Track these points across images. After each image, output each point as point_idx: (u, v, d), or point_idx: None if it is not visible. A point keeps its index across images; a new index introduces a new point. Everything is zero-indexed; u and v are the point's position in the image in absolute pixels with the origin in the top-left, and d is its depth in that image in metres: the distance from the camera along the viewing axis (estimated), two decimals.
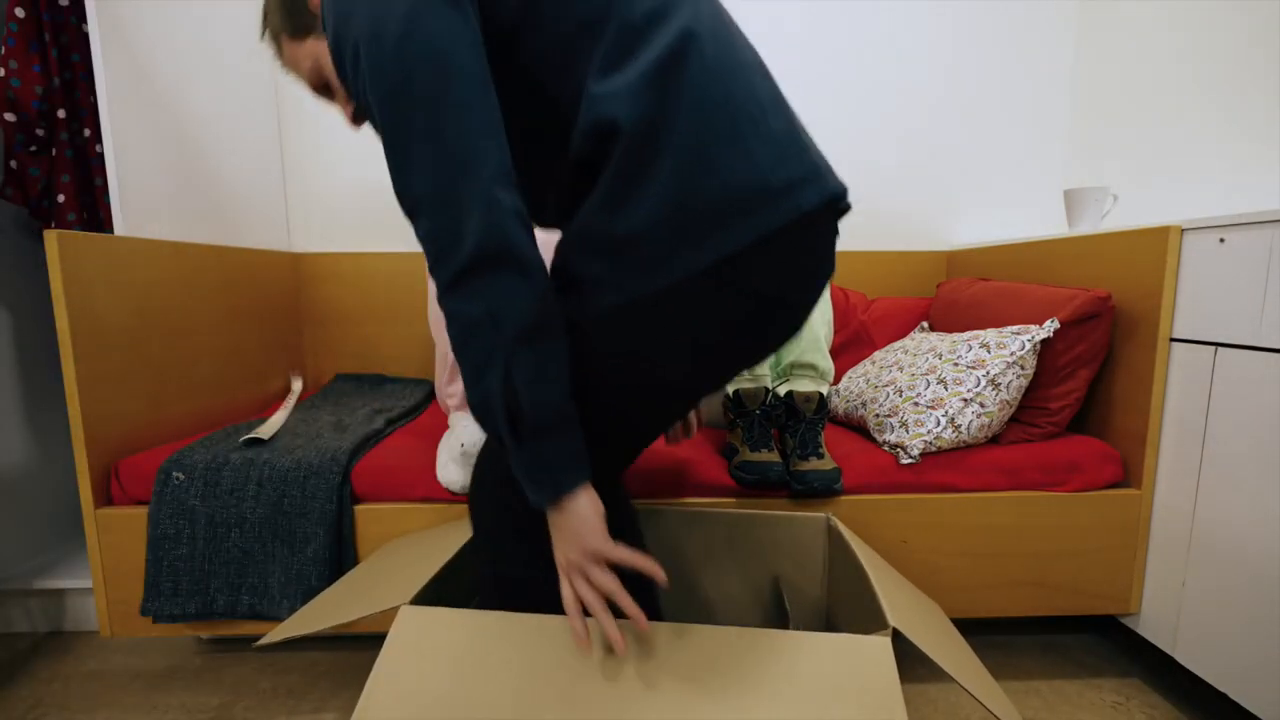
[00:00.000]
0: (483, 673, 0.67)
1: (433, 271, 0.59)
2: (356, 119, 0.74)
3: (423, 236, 0.58)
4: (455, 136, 0.56)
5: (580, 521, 0.61)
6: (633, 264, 0.59)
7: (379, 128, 0.58)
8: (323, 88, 0.75)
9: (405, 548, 1.00)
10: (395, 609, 0.73)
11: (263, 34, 0.77)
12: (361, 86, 0.58)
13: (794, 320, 0.66)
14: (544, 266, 0.59)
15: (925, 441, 1.12)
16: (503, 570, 0.75)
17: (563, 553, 0.63)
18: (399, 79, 0.55)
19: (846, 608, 0.96)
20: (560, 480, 0.61)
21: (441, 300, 0.59)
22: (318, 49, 0.72)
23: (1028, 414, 1.22)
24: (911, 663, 1.24)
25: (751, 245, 0.58)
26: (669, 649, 0.68)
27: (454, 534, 0.95)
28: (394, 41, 0.55)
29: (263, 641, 0.80)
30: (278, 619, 1.06)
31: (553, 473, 0.60)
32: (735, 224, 0.57)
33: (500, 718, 0.64)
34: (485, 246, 0.56)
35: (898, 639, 0.72)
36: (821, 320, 1.22)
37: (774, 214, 0.58)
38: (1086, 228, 1.45)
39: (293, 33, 0.72)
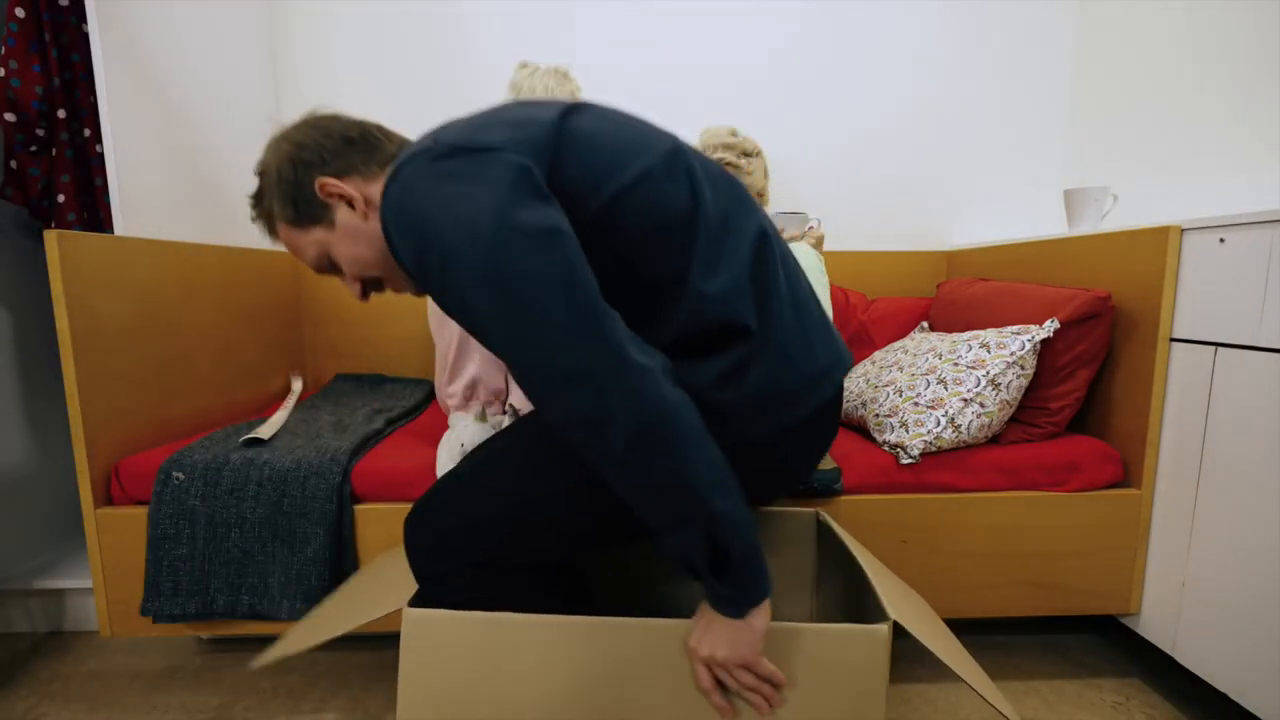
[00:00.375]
0: (503, 676, 0.68)
1: (587, 451, 0.58)
2: (365, 295, 0.78)
3: (562, 418, 0.58)
4: (579, 315, 0.56)
5: (750, 632, 0.64)
6: (719, 425, 0.64)
7: (480, 322, 0.58)
8: (328, 267, 0.76)
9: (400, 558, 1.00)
10: (395, 613, 0.74)
11: (254, 216, 0.76)
12: (455, 283, 0.57)
13: (822, 447, 0.80)
14: (694, 407, 0.61)
15: (925, 441, 1.12)
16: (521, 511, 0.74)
17: (709, 646, 0.65)
18: (507, 270, 0.55)
19: (838, 602, 0.96)
20: (753, 598, 0.63)
21: (614, 475, 0.59)
22: (327, 237, 0.72)
23: (1028, 414, 1.22)
24: (911, 663, 1.24)
25: (811, 414, 0.73)
26: (673, 645, 0.69)
27: None
28: (492, 235, 0.55)
29: (260, 662, 0.80)
30: (277, 619, 1.06)
31: (748, 592, 0.63)
32: (804, 401, 0.72)
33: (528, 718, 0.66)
34: (645, 417, 0.56)
35: (896, 635, 0.73)
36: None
37: (825, 390, 0.73)
38: (1086, 228, 1.45)
39: (298, 223, 0.72)
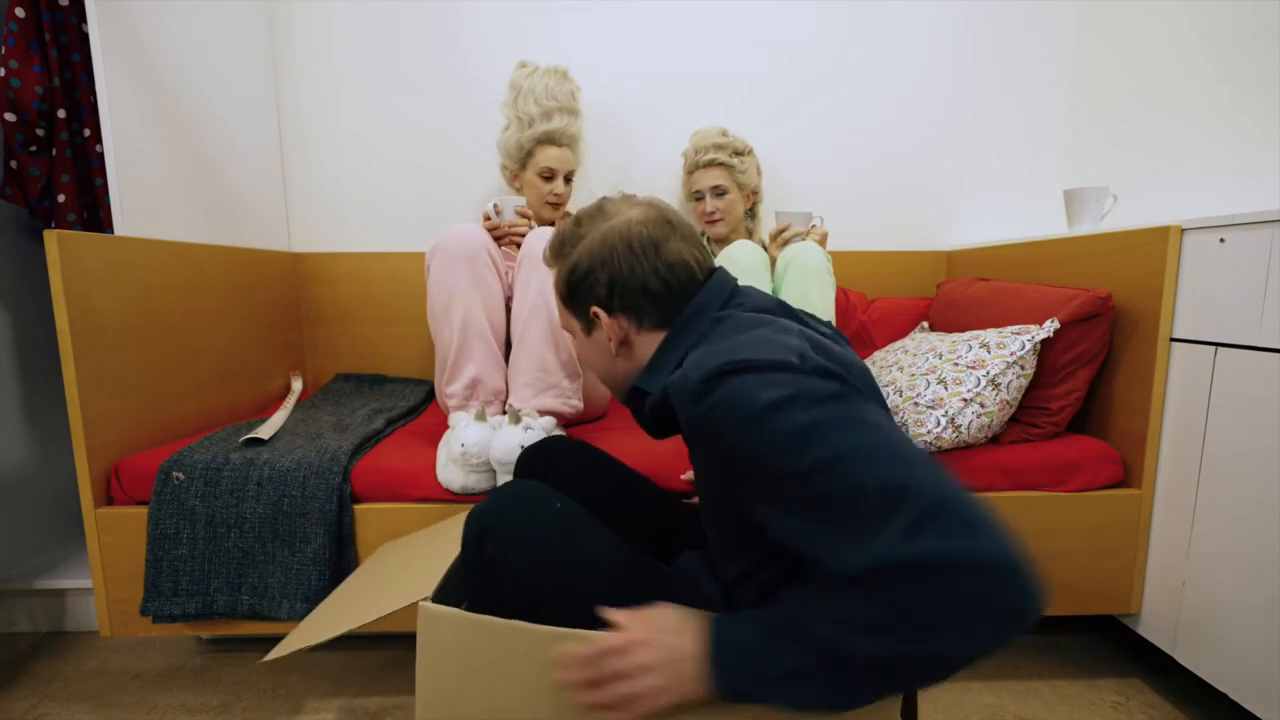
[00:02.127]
0: (516, 683, 0.68)
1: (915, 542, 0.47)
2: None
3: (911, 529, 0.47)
4: (885, 437, 0.53)
5: (681, 696, 0.57)
6: None
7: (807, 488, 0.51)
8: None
9: (402, 549, 1.00)
10: (401, 610, 0.73)
11: (551, 252, 0.78)
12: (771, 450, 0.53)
13: None
14: None
15: (925, 442, 1.12)
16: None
17: (644, 654, 0.58)
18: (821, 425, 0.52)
19: None
20: (745, 698, 0.55)
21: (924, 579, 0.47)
22: (578, 331, 0.78)
23: (1028, 414, 1.22)
24: None
25: None
26: None
27: (450, 530, 0.95)
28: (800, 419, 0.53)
29: (269, 658, 0.80)
30: (277, 619, 1.06)
31: (754, 697, 0.55)
32: None
33: None
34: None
35: None
36: (823, 314, 1.22)
37: None
38: (1087, 228, 1.45)
39: (565, 304, 0.78)
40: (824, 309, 1.25)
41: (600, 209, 0.75)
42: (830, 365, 0.57)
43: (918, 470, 0.49)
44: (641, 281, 0.70)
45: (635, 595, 0.68)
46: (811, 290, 1.25)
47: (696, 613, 0.61)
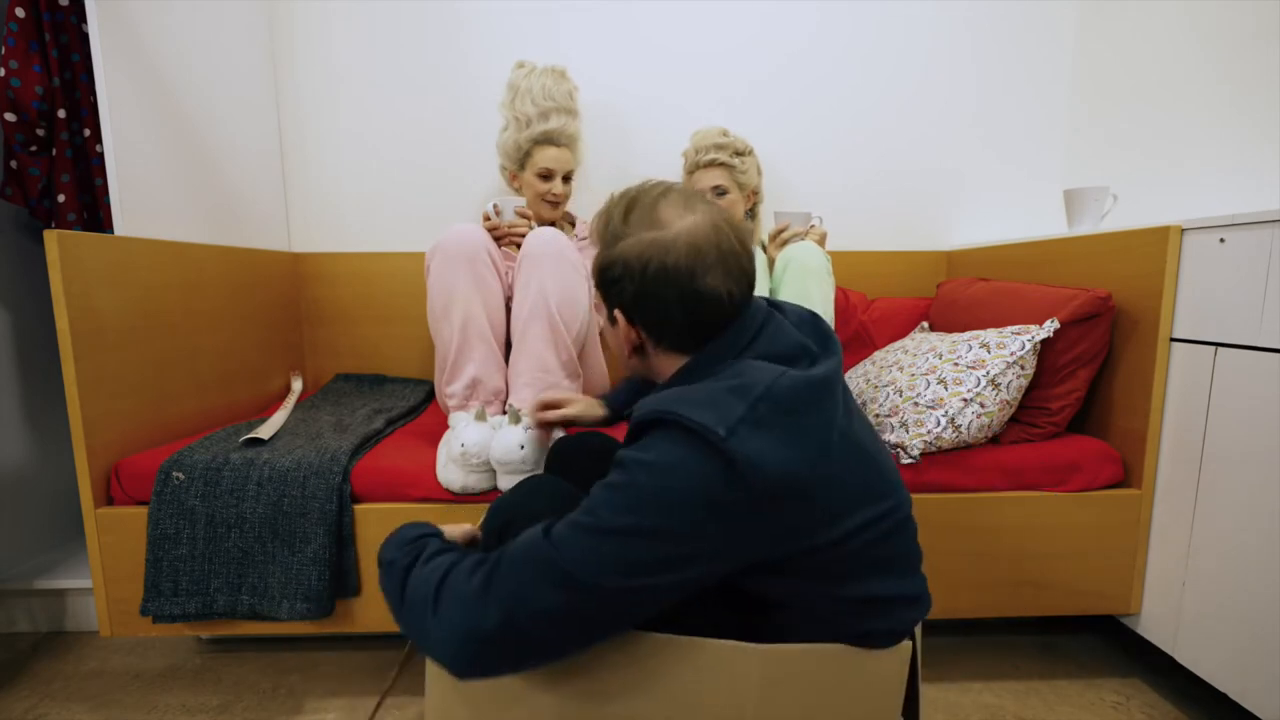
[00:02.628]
0: (528, 681, 0.68)
1: None
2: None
3: None
4: None
5: None
6: None
7: None
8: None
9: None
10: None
11: (601, 227, 0.74)
12: None
13: None
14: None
15: (925, 441, 1.12)
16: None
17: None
18: None
19: None
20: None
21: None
22: (603, 314, 0.76)
23: (1028, 414, 1.22)
24: None
25: None
26: (700, 663, 0.68)
27: None
28: None
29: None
30: (277, 619, 1.06)
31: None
32: None
33: None
34: None
35: None
36: (823, 313, 1.22)
37: None
38: (1087, 228, 1.45)
39: (598, 287, 0.75)
40: (823, 309, 1.25)
41: (655, 210, 0.69)
42: (744, 454, 0.55)
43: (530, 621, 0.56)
44: (666, 309, 0.68)
45: (624, 622, 0.69)
46: (811, 290, 1.25)
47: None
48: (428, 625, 0.58)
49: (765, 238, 1.50)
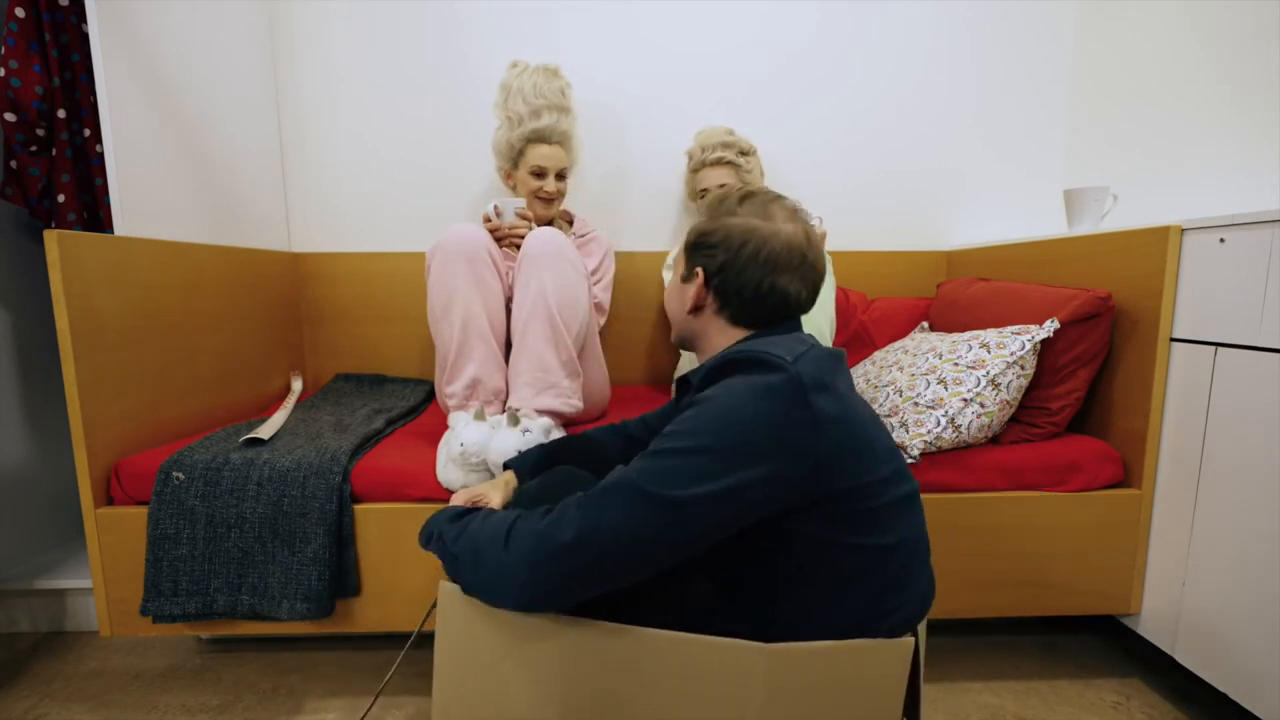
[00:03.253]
0: (529, 670, 0.69)
1: None
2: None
3: None
4: None
5: None
6: None
7: None
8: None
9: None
10: (398, 615, 0.73)
11: (715, 203, 0.84)
12: None
13: None
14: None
15: (925, 441, 1.12)
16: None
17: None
18: None
19: None
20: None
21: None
22: (679, 271, 0.86)
23: (1028, 414, 1.22)
24: None
25: None
26: (703, 659, 0.68)
27: None
28: None
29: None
30: (277, 619, 1.06)
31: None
32: None
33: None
34: None
35: None
36: (825, 319, 1.22)
37: None
38: (1087, 228, 1.45)
39: (686, 249, 0.84)
40: (824, 310, 1.25)
41: (768, 207, 0.78)
42: (809, 375, 0.65)
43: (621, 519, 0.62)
44: (742, 283, 0.77)
45: (676, 594, 0.70)
46: None
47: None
48: (500, 559, 0.65)
49: None
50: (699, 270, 0.80)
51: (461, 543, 0.70)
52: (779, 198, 0.80)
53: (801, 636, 0.67)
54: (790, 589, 0.68)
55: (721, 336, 0.80)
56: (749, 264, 0.76)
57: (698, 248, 0.80)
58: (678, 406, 0.85)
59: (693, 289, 0.80)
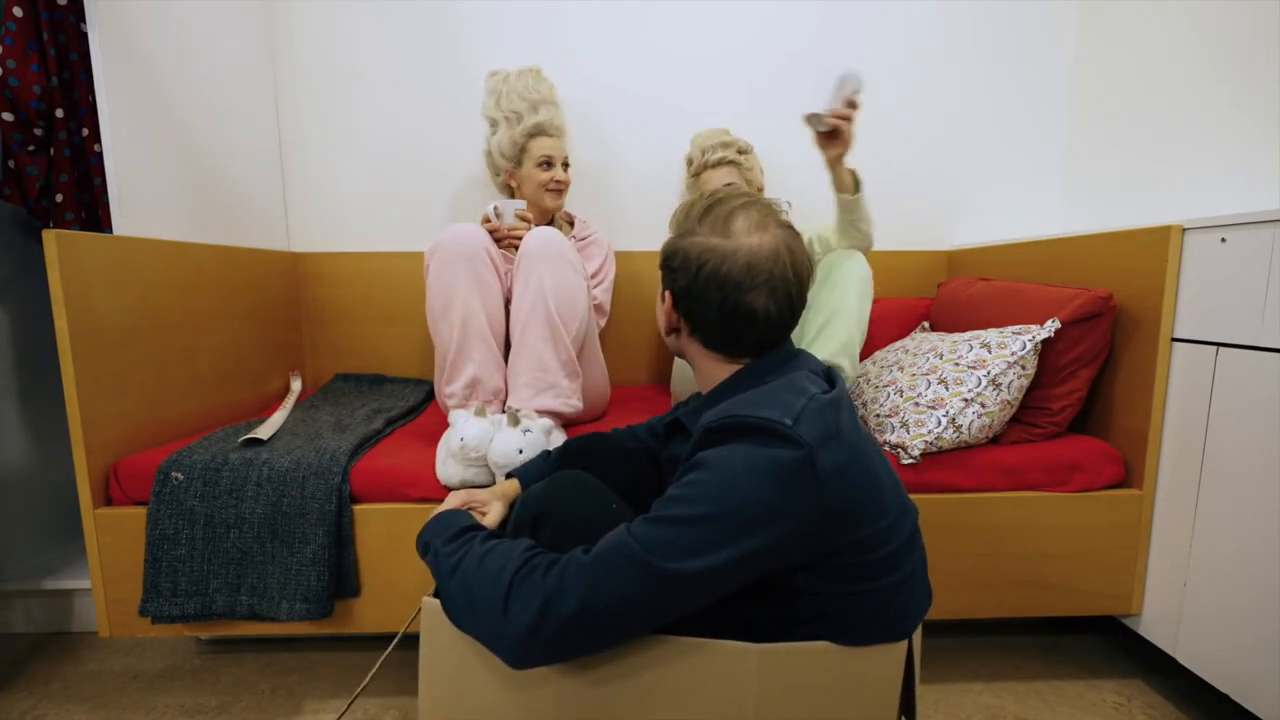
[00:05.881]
0: (523, 678, 0.68)
1: None
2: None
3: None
4: None
5: None
6: None
7: None
8: None
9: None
10: (399, 616, 0.73)
11: (682, 219, 0.80)
12: None
13: None
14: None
15: (926, 442, 1.12)
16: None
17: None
18: None
19: None
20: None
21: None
22: (659, 292, 0.82)
23: (1029, 414, 1.22)
24: None
25: None
26: (697, 664, 0.68)
27: None
28: None
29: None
30: (276, 619, 1.06)
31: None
32: None
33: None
34: None
35: None
36: (857, 324, 1.18)
37: None
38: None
39: (662, 265, 0.81)
40: (858, 320, 1.21)
41: (729, 221, 0.73)
42: (809, 437, 0.61)
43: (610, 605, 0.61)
44: (705, 305, 0.73)
45: (684, 607, 0.70)
46: (849, 298, 1.21)
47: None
48: (496, 622, 0.63)
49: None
50: (667, 292, 0.77)
51: (455, 582, 0.67)
52: (747, 205, 0.74)
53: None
54: (801, 629, 0.68)
55: (706, 361, 0.78)
56: (708, 287, 0.72)
57: (665, 267, 0.77)
58: (677, 468, 0.77)
59: (664, 311, 0.79)
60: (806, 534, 0.62)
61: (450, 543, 0.72)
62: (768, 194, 1.69)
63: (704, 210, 0.75)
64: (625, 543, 0.61)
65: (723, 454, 0.63)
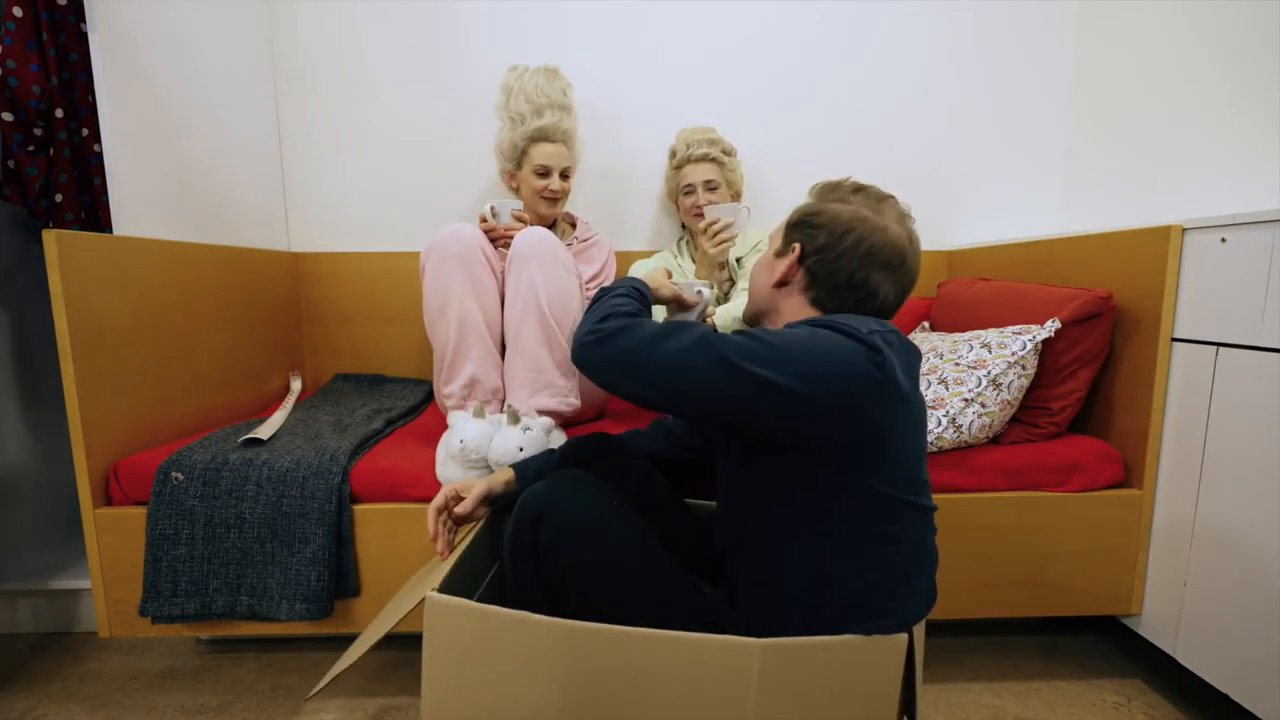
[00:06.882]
0: (522, 673, 0.68)
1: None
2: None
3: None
4: None
5: None
6: None
7: None
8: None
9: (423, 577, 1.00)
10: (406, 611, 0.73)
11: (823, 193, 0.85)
12: None
13: None
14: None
15: (926, 442, 1.11)
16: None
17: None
18: None
19: None
20: None
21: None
22: (771, 245, 0.87)
23: (1029, 414, 1.22)
24: None
25: None
26: (696, 659, 0.68)
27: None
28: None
29: (316, 690, 0.83)
30: (276, 619, 1.06)
31: None
32: None
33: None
34: None
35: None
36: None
37: None
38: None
39: (787, 226, 0.86)
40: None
41: (879, 204, 0.80)
42: (883, 344, 0.68)
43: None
44: (836, 269, 0.78)
45: (685, 607, 0.71)
46: None
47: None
48: (592, 323, 0.75)
49: (746, 243, 1.52)
50: (797, 245, 0.80)
51: (600, 305, 0.81)
52: (892, 197, 0.81)
53: (804, 601, 0.70)
54: (814, 541, 0.71)
55: (797, 316, 0.81)
56: (848, 252, 0.77)
57: (800, 225, 0.81)
58: None
59: (785, 263, 0.81)
60: (845, 421, 0.66)
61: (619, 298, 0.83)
62: (748, 198, 1.70)
63: (856, 188, 0.81)
64: (706, 332, 0.69)
65: (808, 329, 0.69)
